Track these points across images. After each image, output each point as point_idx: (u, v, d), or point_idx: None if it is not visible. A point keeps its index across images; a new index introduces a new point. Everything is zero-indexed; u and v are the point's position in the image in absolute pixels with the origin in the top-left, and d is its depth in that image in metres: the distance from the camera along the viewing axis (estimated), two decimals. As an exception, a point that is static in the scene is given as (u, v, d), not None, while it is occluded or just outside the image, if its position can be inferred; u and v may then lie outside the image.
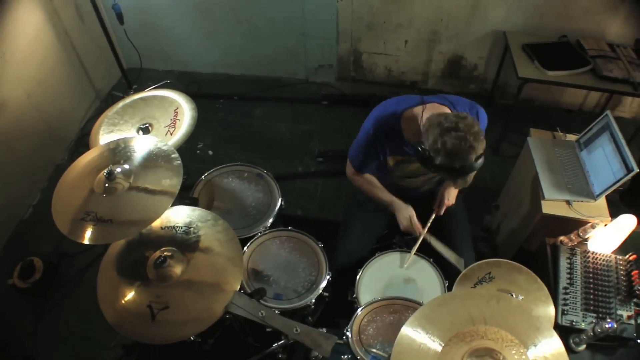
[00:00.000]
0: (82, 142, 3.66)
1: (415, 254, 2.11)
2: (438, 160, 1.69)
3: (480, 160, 1.69)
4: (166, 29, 4.05)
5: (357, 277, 2.01)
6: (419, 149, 1.74)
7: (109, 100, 3.99)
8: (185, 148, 3.38)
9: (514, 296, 1.73)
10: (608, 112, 2.34)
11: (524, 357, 1.25)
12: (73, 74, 3.69)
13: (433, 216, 2.20)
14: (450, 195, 2.22)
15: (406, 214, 2.14)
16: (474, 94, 4.02)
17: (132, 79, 4.01)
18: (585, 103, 3.90)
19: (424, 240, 2.14)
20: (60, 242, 2.98)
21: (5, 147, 3.05)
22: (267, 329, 1.68)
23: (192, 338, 1.97)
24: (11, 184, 3.15)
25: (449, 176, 1.76)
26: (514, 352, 1.25)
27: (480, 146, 1.66)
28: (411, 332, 1.31)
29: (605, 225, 2.09)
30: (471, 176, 1.75)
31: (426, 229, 2.15)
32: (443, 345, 1.27)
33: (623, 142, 2.22)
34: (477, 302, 1.34)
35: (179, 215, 1.89)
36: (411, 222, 2.12)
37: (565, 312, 1.89)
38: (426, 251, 2.13)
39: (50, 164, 3.51)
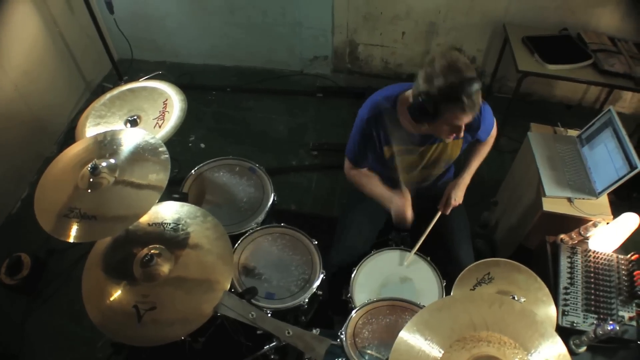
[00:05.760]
0: (72, 135, 3.54)
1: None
2: (435, 85, 1.61)
3: (478, 84, 1.62)
4: (158, 19, 3.97)
5: (352, 275, 1.95)
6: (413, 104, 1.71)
7: (99, 92, 3.89)
8: (177, 141, 3.31)
9: (516, 298, 1.68)
10: (611, 107, 2.30)
11: (527, 364, 1.19)
12: (62, 65, 3.61)
13: (438, 215, 2.11)
14: (458, 195, 2.14)
15: (400, 203, 1.99)
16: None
17: (123, 70, 3.93)
18: (584, 98, 3.87)
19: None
20: (49, 237, 2.86)
21: (-8, 140, 2.98)
22: (258, 331, 1.62)
23: (182, 337, 1.92)
24: (-2, 177, 3.07)
25: (452, 100, 1.62)
26: (517, 359, 1.20)
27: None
28: (409, 338, 1.25)
29: (607, 223, 2.05)
30: (478, 99, 1.64)
31: (429, 228, 2.08)
32: (443, 352, 1.21)
33: (626, 138, 2.17)
34: (478, 306, 1.28)
35: (167, 211, 1.82)
36: (404, 213, 1.97)
37: (566, 312, 1.85)
38: (424, 250, 2.06)
39: (39, 157, 3.43)
